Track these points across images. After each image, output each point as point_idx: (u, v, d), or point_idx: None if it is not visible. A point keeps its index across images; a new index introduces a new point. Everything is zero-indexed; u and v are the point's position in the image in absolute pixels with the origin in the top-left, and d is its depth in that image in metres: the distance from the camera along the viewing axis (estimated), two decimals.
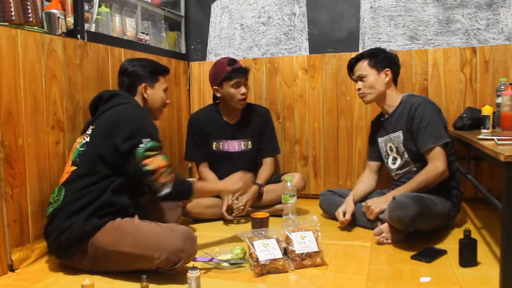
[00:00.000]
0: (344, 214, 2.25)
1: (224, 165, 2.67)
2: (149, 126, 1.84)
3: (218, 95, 2.60)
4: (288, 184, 2.37)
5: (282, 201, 2.40)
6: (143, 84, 2.03)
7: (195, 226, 2.45)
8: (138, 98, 2.03)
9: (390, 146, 2.32)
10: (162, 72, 2.11)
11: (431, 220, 2.03)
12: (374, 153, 2.47)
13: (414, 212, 1.90)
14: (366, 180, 2.44)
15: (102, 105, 1.94)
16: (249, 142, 2.70)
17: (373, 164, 2.47)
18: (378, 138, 2.42)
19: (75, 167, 1.80)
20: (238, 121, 2.68)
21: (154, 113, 2.10)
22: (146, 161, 1.75)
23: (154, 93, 2.07)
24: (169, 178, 1.78)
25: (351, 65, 2.35)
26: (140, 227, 1.72)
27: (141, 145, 1.76)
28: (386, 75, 2.26)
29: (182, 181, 1.89)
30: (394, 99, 2.29)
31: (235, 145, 2.67)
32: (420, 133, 2.15)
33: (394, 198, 1.98)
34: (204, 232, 2.32)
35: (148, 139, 1.77)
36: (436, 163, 2.11)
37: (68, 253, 1.72)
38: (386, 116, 2.33)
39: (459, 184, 2.26)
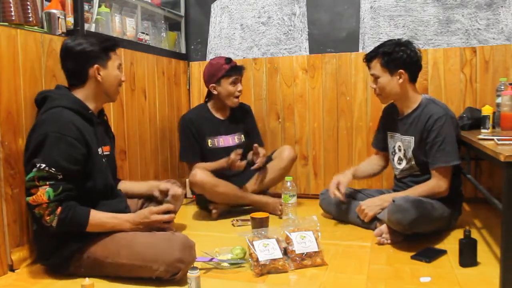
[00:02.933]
0: (338, 186, 2.28)
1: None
2: (55, 146, 1.59)
3: (215, 92, 2.65)
4: (288, 184, 2.37)
5: (282, 201, 2.40)
6: (95, 66, 1.77)
7: (195, 226, 2.45)
8: (88, 85, 1.79)
9: (399, 146, 2.28)
10: (112, 47, 1.84)
11: (430, 224, 2.02)
12: (381, 142, 2.45)
13: (413, 216, 1.90)
14: (372, 162, 2.47)
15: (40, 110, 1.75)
16: (242, 135, 2.78)
17: (381, 154, 2.48)
18: (388, 132, 2.37)
19: None
20: (228, 117, 2.76)
21: (110, 96, 1.88)
22: (31, 190, 1.57)
23: (109, 73, 1.81)
24: (51, 216, 1.56)
25: (367, 60, 2.22)
26: (135, 238, 1.67)
27: (34, 169, 1.57)
28: (400, 77, 2.13)
29: (75, 214, 1.61)
30: (412, 100, 2.18)
31: (229, 140, 2.73)
32: (434, 149, 2.08)
33: (393, 201, 1.97)
34: (205, 232, 2.32)
35: (43, 165, 1.56)
36: (440, 182, 2.08)
37: (63, 268, 1.71)
38: (401, 116, 2.25)
39: (461, 189, 2.25)
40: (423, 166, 2.17)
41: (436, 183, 2.09)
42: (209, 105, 2.75)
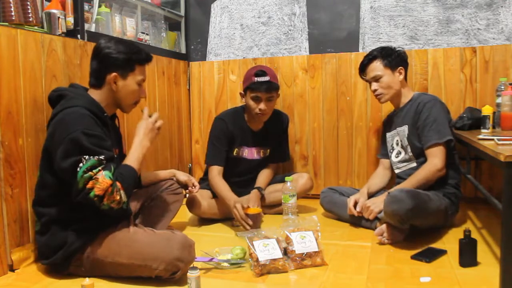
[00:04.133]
0: (355, 204, 2.26)
1: (238, 170, 2.61)
2: (85, 138, 1.57)
3: (243, 100, 2.54)
4: (288, 184, 2.37)
5: (282, 201, 2.40)
6: (113, 74, 1.74)
7: (195, 226, 2.45)
8: (104, 90, 1.77)
9: (397, 140, 2.36)
10: (140, 61, 1.79)
11: (427, 216, 2.02)
12: (385, 150, 2.49)
13: (409, 206, 1.89)
14: (379, 176, 2.47)
15: (54, 108, 1.73)
16: (268, 150, 2.67)
17: (386, 162, 2.50)
18: (387, 133, 2.46)
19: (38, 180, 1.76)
20: (261, 129, 2.60)
21: (122, 108, 1.85)
22: (89, 184, 1.54)
23: (126, 85, 1.77)
24: (118, 193, 1.59)
25: (363, 66, 2.37)
26: (135, 238, 1.67)
27: (81, 164, 1.54)
28: (400, 73, 2.31)
29: (128, 176, 1.68)
30: (406, 95, 2.34)
31: (254, 153, 2.62)
32: (426, 129, 2.18)
33: (389, 193, 1.98)
34: (205, 232, 2.33)
35: (91, 156, 1.56)
36: (435, 160, 2.13)
37: (63, 267, 1.71)
38: (396, 111, 2.39)
39: (459, 185, 2.26)
40: (419, 154, 2.23)
41: (431, 162, 2.14)
42: (245, 111, 2.58)
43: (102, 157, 1.58)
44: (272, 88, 2.42)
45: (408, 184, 2.12)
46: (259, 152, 2.63)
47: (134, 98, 1.84)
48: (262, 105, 2.42)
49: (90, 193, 1.55)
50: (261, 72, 2.42)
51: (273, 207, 2.58)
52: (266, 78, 2.40)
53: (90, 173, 1.54)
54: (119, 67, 1.75)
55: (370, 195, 2.34)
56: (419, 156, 2.24)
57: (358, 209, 2.24)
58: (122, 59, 1.74)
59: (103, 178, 1.55)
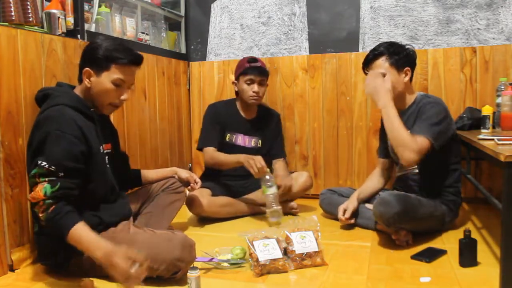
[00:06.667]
0: (344, 212, 2.25)
1: None
2: (56, 144, 1.55)
3: (236, 89, 2.71)
4: (267, 176, 2.32)
5: (262, 193, 2.34)
6: (86, 68, 1.70)
7: (195, 226, 2.45)
8: (83, 85, 1.74)
9: None
10: (117, 59, 1.69)
11: (417, 221, 1.99)
12: (384, 149, 2.41)
13: (396, 210, 1.89)
14: (375, 178, 2.42)
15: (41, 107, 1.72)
16: (260, 140, 2.75)
17: (383, 161, 2.43)
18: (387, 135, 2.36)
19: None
20: (254, 118, 2.75)
21: (97, 106, 1.76)
22: (33, 187, 1.54)
23: (99, 82, 1.69)
24: (44, 213, 1.50)
25: (368, 61, 2.19)
26: (136, 238, 1.65)
27: (36, 167, 1.53)
28: (406, 74, 2.15)
29: (61, 219, 1.49)
30: (409, 97, 2.20)
31: (246, 141, 2.72)
32: (417, 122, 2.06)
33: (379, 195, 1.96)
34: (206, 232, 2.32)
35: (44, 163, 1.53)
36: (414, 145, 1.94)
37: (62, 268, 1.71)
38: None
39: (459, 191, 2.22)
40: (421, 162, 2.12)
41: (414, 140, 1.95)
42: (237, 101, 2.77)
43: (53, 168, 1.52)
44: (263, 72, 2.64)
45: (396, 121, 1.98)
46: (251, 141, 2.73)
47: (108, 98, 1.73)
48: (255, 87, 2.60)
49: (30, 193, 1.56)
50: (252, 59, 2.65)
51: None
52: (258, 64, 2.64)
53: (36, 179, 1.53)
54: (94, 63, 1.70)
55: (363, 200, 2.32)
56: (421, 164, 2.12)
57: (347, 215, 2.23)
58: (99, 54, 1.69)
59: (40, 189, 1.51)
